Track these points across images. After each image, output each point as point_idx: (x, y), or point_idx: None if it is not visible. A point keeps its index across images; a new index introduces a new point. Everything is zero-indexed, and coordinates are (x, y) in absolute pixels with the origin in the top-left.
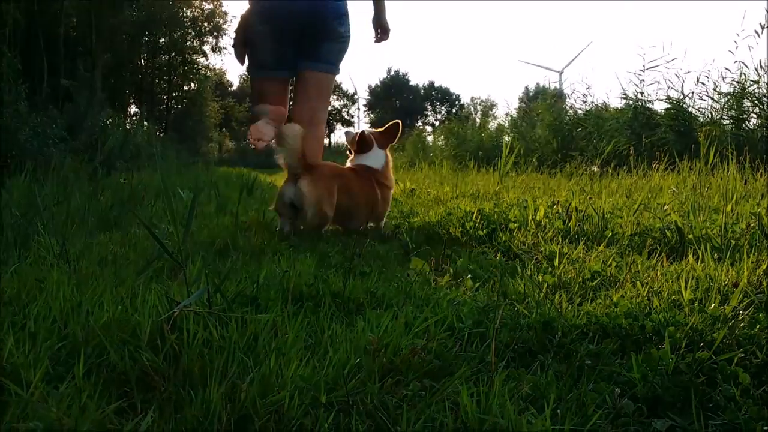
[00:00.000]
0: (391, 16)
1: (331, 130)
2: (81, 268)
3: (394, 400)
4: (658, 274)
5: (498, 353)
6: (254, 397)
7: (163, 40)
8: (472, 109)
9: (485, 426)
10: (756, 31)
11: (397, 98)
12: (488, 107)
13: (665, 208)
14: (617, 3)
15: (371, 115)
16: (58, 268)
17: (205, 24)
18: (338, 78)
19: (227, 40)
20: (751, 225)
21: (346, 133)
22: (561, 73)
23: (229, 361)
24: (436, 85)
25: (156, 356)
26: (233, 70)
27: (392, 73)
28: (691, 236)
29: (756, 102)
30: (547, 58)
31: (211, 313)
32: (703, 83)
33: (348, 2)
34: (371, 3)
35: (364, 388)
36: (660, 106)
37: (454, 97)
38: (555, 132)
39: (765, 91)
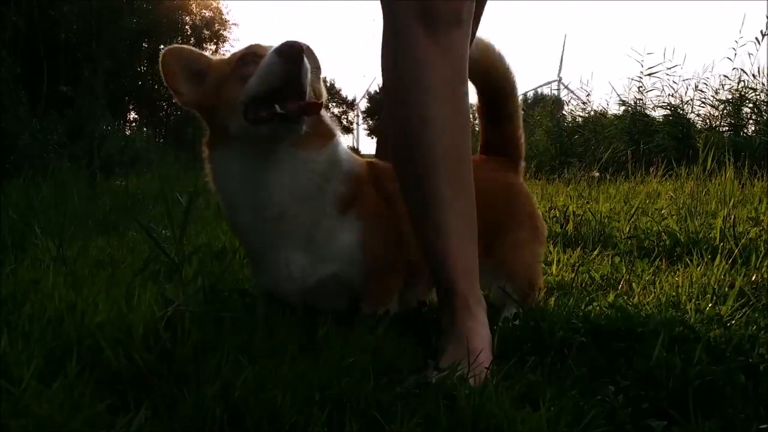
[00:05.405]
0: None
1: None
2: (77, 269)
3: (388, 397)
4: (656, 276)
5: (492, 353)
6: (248, 395)
7: (163, 46)
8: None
9: (480, 423)
10: (756, 38)
11: None
12: None
13: (662, 212)
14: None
15: (370, 122)
16: (54, 269)
17: (205, 31)
18: (337, 84)
19: (227, 47)
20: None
21: None
22: (560, 80)
23: (223, 359)
24: None
25: (150, 355)
26: None
27: None
28: (686, 239)
29: (755, 109)
30: (548, 60)
31: (205, 313)
32: (702, 90)
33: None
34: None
35: (358, 386)
36: (659, 113)
37: None
38: (554, 138)
39: (764, 98)
